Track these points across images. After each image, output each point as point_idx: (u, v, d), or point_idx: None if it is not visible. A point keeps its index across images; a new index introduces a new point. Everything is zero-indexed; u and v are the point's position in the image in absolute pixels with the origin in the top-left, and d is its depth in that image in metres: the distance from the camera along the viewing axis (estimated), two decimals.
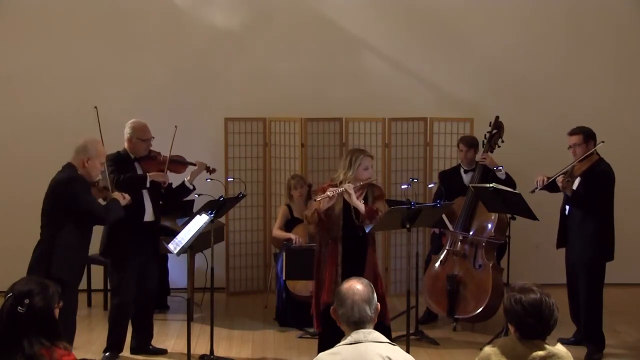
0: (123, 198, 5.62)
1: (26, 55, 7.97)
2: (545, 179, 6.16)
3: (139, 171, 6.06)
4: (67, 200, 5.31)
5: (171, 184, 6.20)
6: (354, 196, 5.61)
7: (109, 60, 8.02)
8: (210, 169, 6.41)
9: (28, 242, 5.50)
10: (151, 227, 6.08)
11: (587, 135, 6.12)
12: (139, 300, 6.05)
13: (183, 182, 6.28)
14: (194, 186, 6.32)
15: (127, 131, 6.08)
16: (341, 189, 5.60)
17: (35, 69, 7.98)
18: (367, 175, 5.75)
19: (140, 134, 6.06)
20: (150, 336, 6.27)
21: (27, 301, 3.21)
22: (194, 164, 6.32)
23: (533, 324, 3.25)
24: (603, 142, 6.09)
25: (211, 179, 6.41)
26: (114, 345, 6.01)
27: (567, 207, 6.21)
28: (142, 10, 8.07)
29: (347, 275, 5.62)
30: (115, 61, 8.03)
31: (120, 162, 5.96)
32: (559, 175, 6.07)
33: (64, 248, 5.31)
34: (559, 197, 6.39)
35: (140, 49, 8.06)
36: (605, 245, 6.12)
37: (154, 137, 6.13)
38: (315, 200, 5.67)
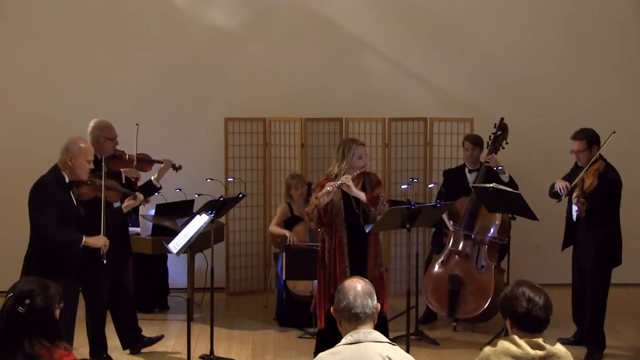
0: (103, 245, 5.23)
1: (26, 55, 7.95)
2: (568, 185, 6.04)
3: (105, 169, 5.67)
4: (31, 206, 5.13)
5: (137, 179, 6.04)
6: (353, 187, 5.65)
7: (108, 60, 8.01)
8: (176, 166, 6.33)
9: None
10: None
11: (590, 141, 6.06)
12: (116, 300, 5.97)
13: (150, 180, 6.19)
14: (160, 185, 6.27)
15: (92, 132, 5.87)
16: (339, 182, 5.61)
17: (35, 68, 7.96)
18: (362, 163, 5.76)
19: (108, 132, 5.91)
20: (139, 330, 6.22)
21: (27, 301, 3.21)
22: (161, 162, 6.25)
23: (525, 309, 3.24)
24: (614, 132, 5.96)
25: (211, 179, 6.40)
26: (103, 344, 5.95)
27: (575, 213, 6.16)
28: (142, 10, 8.06)
29: (352, 265, 5.68)
30: (115, 61, 8.02)
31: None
32: (573, 190, 5.99)
33: (33, 268, 5.03)
34: None
35: (140, 48, 8.06)
36: (615, 250, 6.13)
37: (117, 135, 6.00)
38: (315, 197, 5.68)
